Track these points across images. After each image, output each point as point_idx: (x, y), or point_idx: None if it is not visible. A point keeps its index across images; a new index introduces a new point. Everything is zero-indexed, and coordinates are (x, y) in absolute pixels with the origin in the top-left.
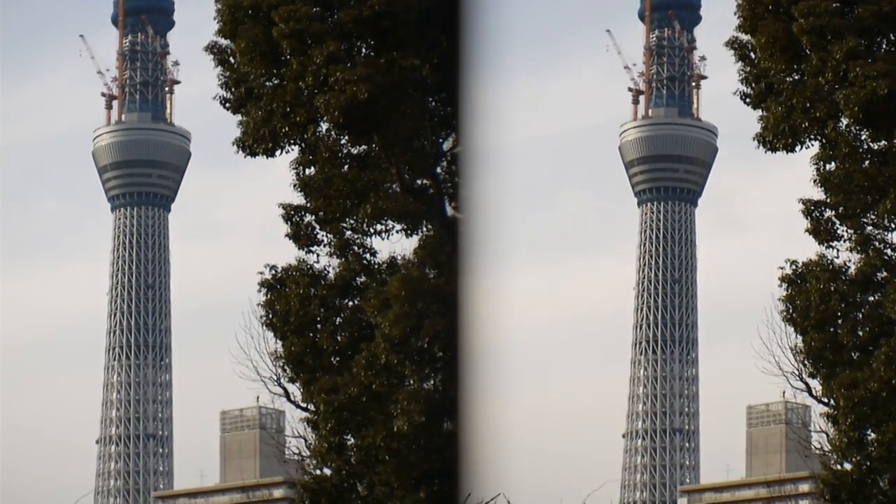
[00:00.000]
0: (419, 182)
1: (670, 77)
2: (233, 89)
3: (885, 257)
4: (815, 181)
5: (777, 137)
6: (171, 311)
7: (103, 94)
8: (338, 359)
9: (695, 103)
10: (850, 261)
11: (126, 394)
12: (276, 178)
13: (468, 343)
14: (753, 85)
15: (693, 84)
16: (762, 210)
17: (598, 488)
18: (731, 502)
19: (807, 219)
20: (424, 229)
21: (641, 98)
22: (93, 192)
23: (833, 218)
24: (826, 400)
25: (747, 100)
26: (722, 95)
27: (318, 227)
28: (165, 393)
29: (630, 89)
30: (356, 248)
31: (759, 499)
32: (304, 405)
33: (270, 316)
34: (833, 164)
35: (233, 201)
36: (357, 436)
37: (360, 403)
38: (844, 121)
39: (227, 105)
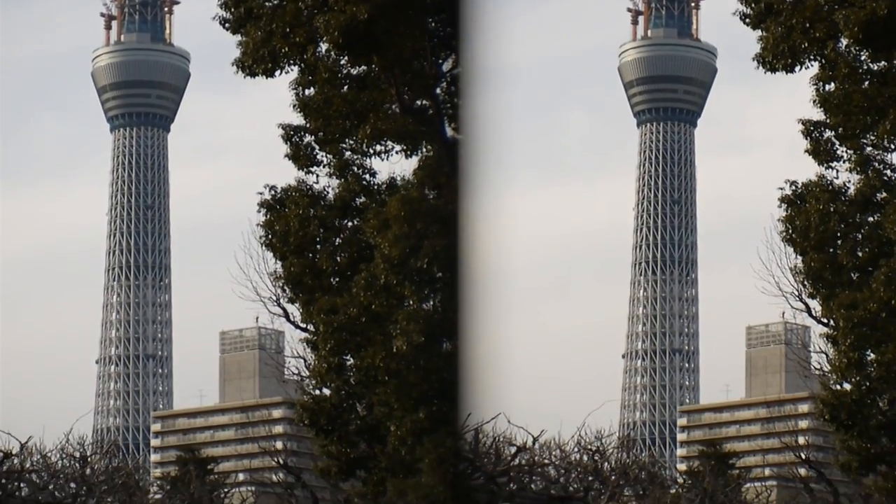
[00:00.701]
0: (419, 103)
1: None
2: (232, 9)
3: (885, 178)
4: (814, 102)
5: (776, 58)
6: (170, 231)
7: (102, 15)
8: (337, 279)
9: (694, 23)
10: (849, 181)
11: (126, 314)
12: (276, 98)
13: (468, 264)
14: (753, 5)
15: (692, 4)
16: (762, 130)
17: (598, 408)
18: (730, 422)
19: (806, 139)
20: (424, 150)
21: (641, 18)
22: (92, 113)
23: (833, 138)
24: (826, 320)
25: (747, 20)
26: (721, 15)
27: (317, 147)
28: (165, 313)
29: (629, 9)
30: (356, 168)
31: (759, 419)
32: (303, 326)
33: (270, 236)
34: (833, 84)
35: (232, 122)
36: (356, 356)
37: (359, 324)
38: (844, 41)
39: (227, 25)
